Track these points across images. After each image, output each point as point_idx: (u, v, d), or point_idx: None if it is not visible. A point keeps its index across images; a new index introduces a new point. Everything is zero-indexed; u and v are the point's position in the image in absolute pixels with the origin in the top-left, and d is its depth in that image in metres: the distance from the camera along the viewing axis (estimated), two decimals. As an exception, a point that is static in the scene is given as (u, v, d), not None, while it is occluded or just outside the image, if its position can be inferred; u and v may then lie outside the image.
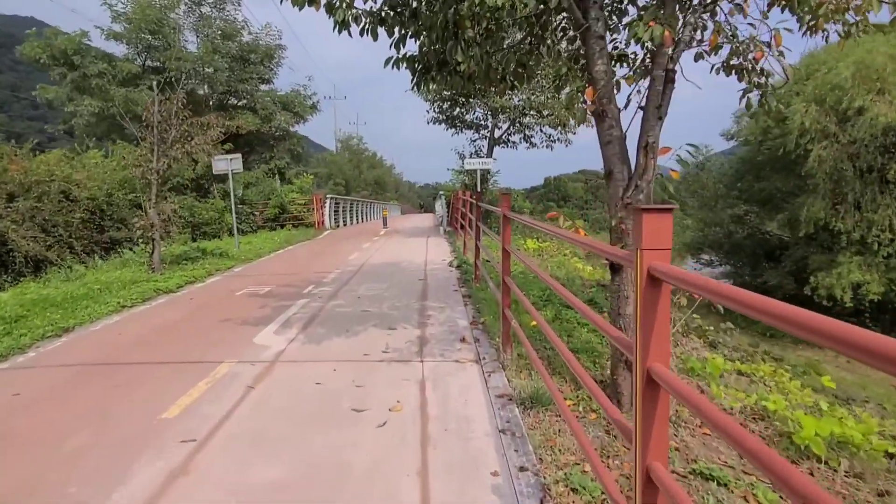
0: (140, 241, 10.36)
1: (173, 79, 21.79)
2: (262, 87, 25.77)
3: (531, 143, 19.17)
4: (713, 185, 34.54)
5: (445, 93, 18.57)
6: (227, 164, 14.65)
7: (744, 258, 26.35)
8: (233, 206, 14.82)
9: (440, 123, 19.43)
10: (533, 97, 17.00)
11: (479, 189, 13.82)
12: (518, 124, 18.85)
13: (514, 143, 19.53)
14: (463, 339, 5.92)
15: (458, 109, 19.11)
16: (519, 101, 17.90)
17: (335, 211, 25.61)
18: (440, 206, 30.20)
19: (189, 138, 10.64)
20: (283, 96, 25.62)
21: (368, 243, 16.77)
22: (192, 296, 8.95)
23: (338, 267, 11.57)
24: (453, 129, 19.57)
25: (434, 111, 19.05)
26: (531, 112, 17.72)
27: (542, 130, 18.70)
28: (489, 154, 18.74)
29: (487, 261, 9.60)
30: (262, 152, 26.67)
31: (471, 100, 18.48)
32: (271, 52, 25.30)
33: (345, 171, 57.62)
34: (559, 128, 17.88)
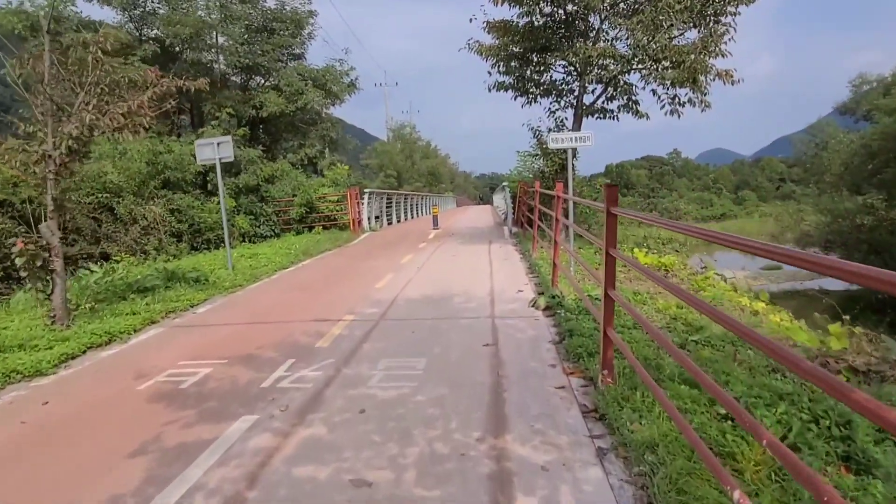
0: (24, 272, 6.30)
1: (177, 49, 18.15)
2: (291, 63, 21.71)
3: (637, 111, 13.59)
4: (838, 166, 28.06)
5: (514, 49, 13.70)
6: (213, 150, 10.59)
7: (880, 257, 21.12)
8: (223, 208, 10.68)
9: (506, 90, 14.34)
10: (648, 39, 11.35)
11: (568, 178, 9.05)
12: (618, 85, 13.26)
13: (611, 112, 14.13)
14: None
15: (529, 69, 13.99)
16: (626, 45, 12.40)
17: (380, 207, 21.37)
18: (502, 199, 25.20)
19: (104, 103, 6.45)
20: (313, 71, 21.34)
21: (411, 254, 12.36)
22: (54, 394, 4.68)
23: (353, 308, 7.18)
24: (524, 98, 14.42)
25: (498, 71, 13.96)
26: (642, 64, 12.05)
27: (655, 91, 13.02)
28: (576, 128, 13.59)
29: (594, 299, 4.98)
30: (291, 140, 22.62)
31: (547, 55, 13.39)
32: (300, 20, 21.14)
33: (396, 162, 53.75)
34: (688, 85, 12.24)
